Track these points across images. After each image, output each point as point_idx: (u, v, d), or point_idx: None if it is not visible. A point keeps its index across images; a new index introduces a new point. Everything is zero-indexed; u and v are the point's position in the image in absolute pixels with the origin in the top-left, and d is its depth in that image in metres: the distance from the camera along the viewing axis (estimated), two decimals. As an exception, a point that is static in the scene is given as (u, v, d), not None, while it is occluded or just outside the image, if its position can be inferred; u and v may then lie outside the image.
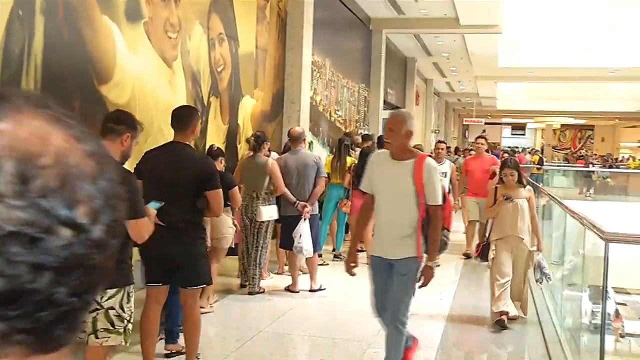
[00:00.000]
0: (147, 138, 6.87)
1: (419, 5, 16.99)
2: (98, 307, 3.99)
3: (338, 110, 16.26)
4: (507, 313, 7.01)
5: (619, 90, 37.10)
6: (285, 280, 8.52)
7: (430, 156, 5.74)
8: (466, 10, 16.82)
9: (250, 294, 7.95)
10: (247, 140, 8.34)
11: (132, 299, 4.21)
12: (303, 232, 7.89)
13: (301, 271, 8.55)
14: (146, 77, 7.83)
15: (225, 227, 7.26)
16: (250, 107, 11.01)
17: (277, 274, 9.10)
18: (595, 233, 5.12)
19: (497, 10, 16.93)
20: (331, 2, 15.16)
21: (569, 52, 24.67)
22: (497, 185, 7.55)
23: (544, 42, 23.39)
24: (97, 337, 4.02)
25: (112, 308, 4.04)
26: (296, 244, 7.91)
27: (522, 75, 31.36)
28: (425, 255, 5.07)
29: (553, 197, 9.41)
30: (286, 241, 8.27)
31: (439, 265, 6.00)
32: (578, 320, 6.53)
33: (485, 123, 49.16)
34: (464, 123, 49.81)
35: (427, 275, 5.08)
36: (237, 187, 7.12)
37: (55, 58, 6.38)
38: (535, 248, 7.34)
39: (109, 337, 4.05)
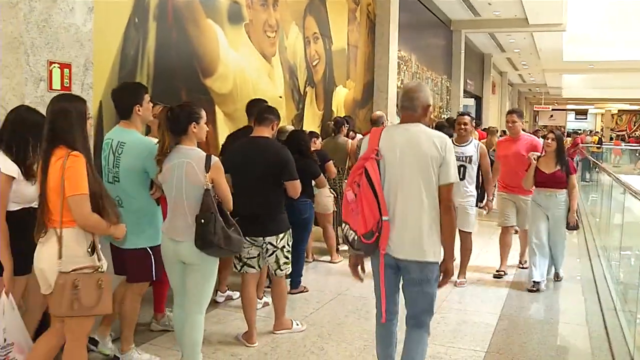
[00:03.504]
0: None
1: (493, 8, 15.92)
2: (275, 248, 4.44)
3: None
4: None
5: (668, 79, 35.00)
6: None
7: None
8: (534, 10, 15.60)
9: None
10: (327, 124, 7.77)
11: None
12: None
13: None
14: (247, 71, 7.26)
15: (323, 196, 6.79)
16: (343, 95, 10.30)
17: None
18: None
19: (562, 10, 15.74)
20: (416, 6, 14.26)
21: (626, 47, 23.05)
22: None
23: (604, 38, 21.80)
24: (281, 270, 4.55)
25: (284, 247, 4.50)
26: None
27: (584, 67, 29.52)
28: None
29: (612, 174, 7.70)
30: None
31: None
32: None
33: (553, 109, 46.82)
34: (534, 109, 47.36)
35: None
36: (331, 161, 6.57)
37: (165, 56, 5.98)
38: None
39: (288, 266, 4.58)
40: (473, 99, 23.99)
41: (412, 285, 3.29)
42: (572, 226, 6.30)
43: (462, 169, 6.28)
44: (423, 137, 3.25)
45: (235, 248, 3.70)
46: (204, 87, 6.54)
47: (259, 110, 4.64)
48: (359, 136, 7.99)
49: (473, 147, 6.43)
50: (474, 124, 7.07)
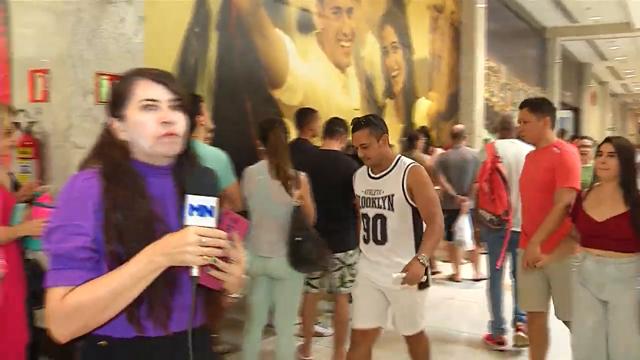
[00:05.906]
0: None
1: (592, 12, 14.78)
2: (342, 264, 4.30)
3: (514, 111, 14.51)
4: None
5: None
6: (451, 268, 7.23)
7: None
8: (639, 13, 14.34)
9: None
10: (401, 140, 7.28)
11: None
12: (464, 226, 6.56)
13: (465, 260, 7.30)
14: (318, 82, 6.94)
15: None
16: (425, 107, 9.79)
17: (444, 261, 7.74)
18: None
19: (671, 11, 14.37)
20: (506, 14, 13.52)
21: None
22: None
23: None
24: (345, 287, 4.34)
25: (352, 264, 4.27)
26: (458, 238, 6.62)
27: (696, 74, 27.34)
28: None
29: None
30: (447, 234, 6.90)
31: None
32: None
33: (662, 120, 43.95)
34: (640, 121, 44.68)
35: None
36: None
37: (228, 67, 5.74)
38: None
39: (352, 285, 4.14)
40: (570, 111, 22.70)
41: (515, 247, 4.22)
42: None
43: None
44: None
45: (327, 263, 3.74)
46: (271, 99, 6.27)
47: (327, 122, 4.55)
48: (438, 151, 7.45)
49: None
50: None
